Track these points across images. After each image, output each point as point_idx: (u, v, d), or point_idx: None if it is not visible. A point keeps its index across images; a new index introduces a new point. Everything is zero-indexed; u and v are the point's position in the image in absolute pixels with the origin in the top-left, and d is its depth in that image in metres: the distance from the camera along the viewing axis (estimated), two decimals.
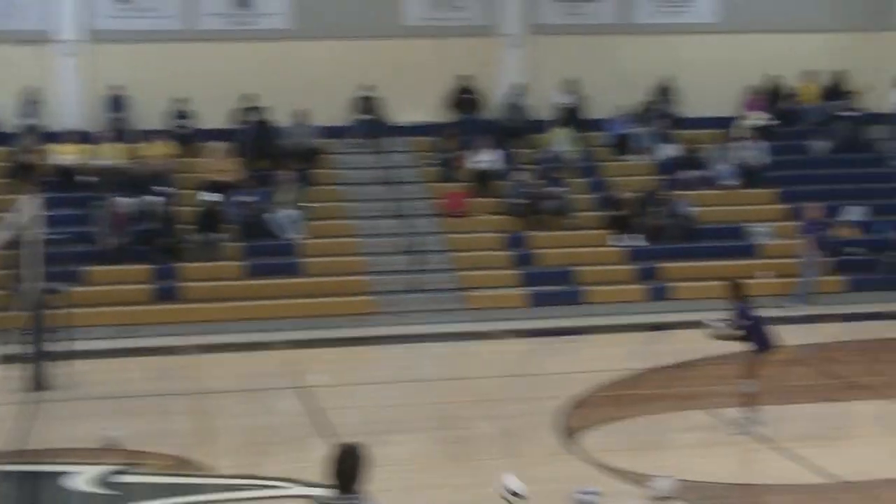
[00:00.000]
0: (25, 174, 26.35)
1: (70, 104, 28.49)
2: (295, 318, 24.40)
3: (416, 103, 29.46)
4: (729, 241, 27.22)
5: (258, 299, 24.84)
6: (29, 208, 19.25)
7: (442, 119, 29.49)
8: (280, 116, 28.48)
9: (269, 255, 25.94)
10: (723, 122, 29.74)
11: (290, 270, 25.71)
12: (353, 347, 23.37)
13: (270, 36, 29.32)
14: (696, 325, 23.39)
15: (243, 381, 20.75)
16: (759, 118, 29.75)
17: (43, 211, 20.98)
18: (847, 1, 31.26)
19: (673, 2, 30.84)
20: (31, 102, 27.98)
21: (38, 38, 28.27)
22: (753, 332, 16.55)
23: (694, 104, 30.29)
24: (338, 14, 29.50)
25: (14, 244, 18.55)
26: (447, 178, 28.22)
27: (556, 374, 21.20)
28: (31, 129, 27.50)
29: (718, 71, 30.49)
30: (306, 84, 28.90)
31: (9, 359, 18.68)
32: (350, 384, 20.70)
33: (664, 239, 26.90)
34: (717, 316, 16.92)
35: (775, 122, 29.93)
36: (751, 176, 28.57)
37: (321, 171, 28.17)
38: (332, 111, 28.89)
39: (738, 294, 16.65)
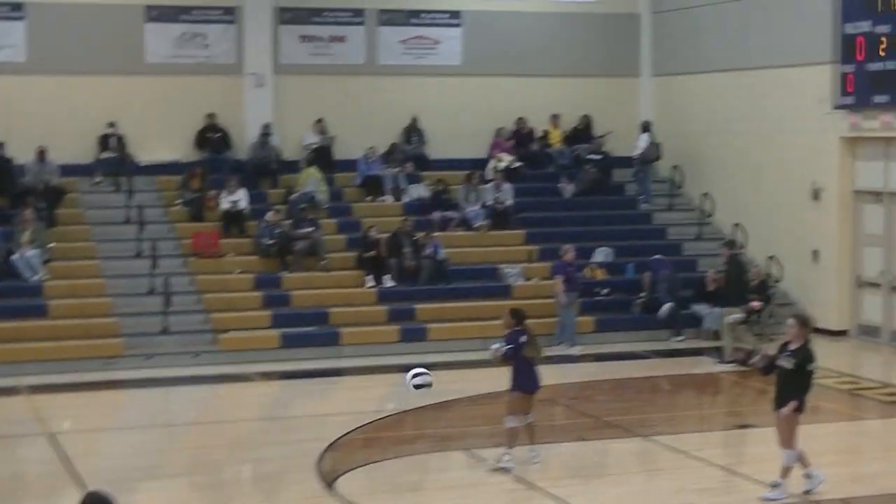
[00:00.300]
0: None
1: None
2: (42, 362, 23.59)
3: (163, 142, 29.04)
4: (482, 281, 27.49)
5: (2, 342, 23.90)
6: None
7: (190, 158, 29.07)
8: (20, 154, 27.59)
9: (13, 296, 25.07)
10: (471, 164, 30.07)
11: (35, 312, 24.87)
12: (103, 392, 22.73)
13: (4, 70, 28.42)
14: (450, 366, 23.94)
15: None
16: (507, 160, 30.19)
17: None
18: (592, 47, 32.06)
19: (419, 44, 31.10)
20: None
21: None
22: (517, 368, 16.73)
23: (442, 146, 30.65)
24: (77, 49, 28.85)
25: None
26: (196, 218, 27.79)
27: (312, 416, 21.02)
28: None
29: (465, 113, 30.97)
30: (47, 121, 28.24)
31: None
32: (100, 430, 20.11)
33: (417, 280, 27.00)
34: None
35: (523, 165, 30.42)
36: (500, 217, 28.94)
37: (65, 210, 27.40)
38: (76, 149, 28.21)
39: (517, 321, 16.78)
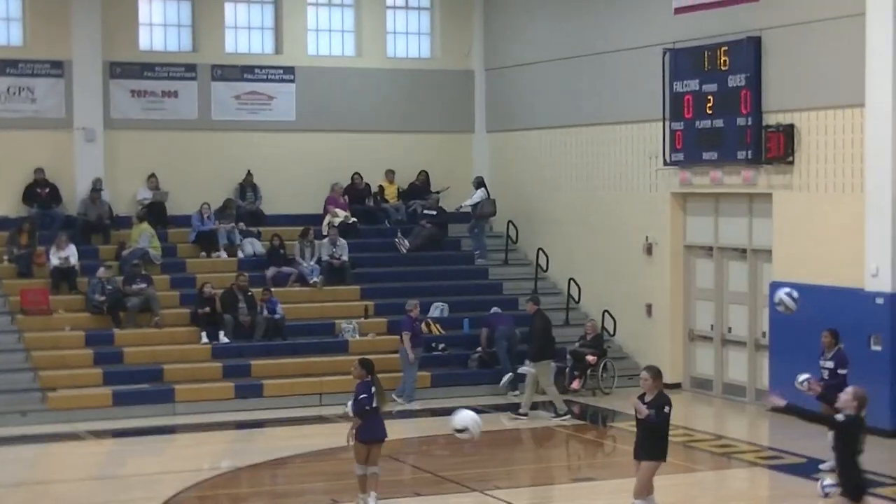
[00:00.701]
0: None
1: None
2: None
3: None
4: (318, 337, 27.29)
5: None
6: None
7: (18, 213, 28.46)
8: None
9: None
10: (306, 220, 29.92)
11: None
12: None
13: None
14: (286, 422, 23.72)
15: None
16: (342, 216, 30.12)
17: None
18: (427, 103, 32.23)
19: (253, 100, 30.96)
20: None
21: None
22: (367, 416, 16.75)
23: (277, 201, 30.48)
24: None
25: None
26: (25, 275, 27.17)
27: (145, 474, 20.64)
28: None
29: (300, 168, 30.89)
30: None
31: None
32: None
33: (253, 336, 26.71)
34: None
35: (357, 220, 30.38)
36: (336, 273, 28.81)
37: None
38: None
39: (367, 371, 16.80)
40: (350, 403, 17.03)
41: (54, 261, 27.13)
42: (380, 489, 16.91)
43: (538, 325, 24.37)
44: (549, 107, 30.47)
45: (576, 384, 26.54)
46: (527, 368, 24.38)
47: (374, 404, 16.78)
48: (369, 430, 16.79)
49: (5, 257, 27.48)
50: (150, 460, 22.02)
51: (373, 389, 16.81)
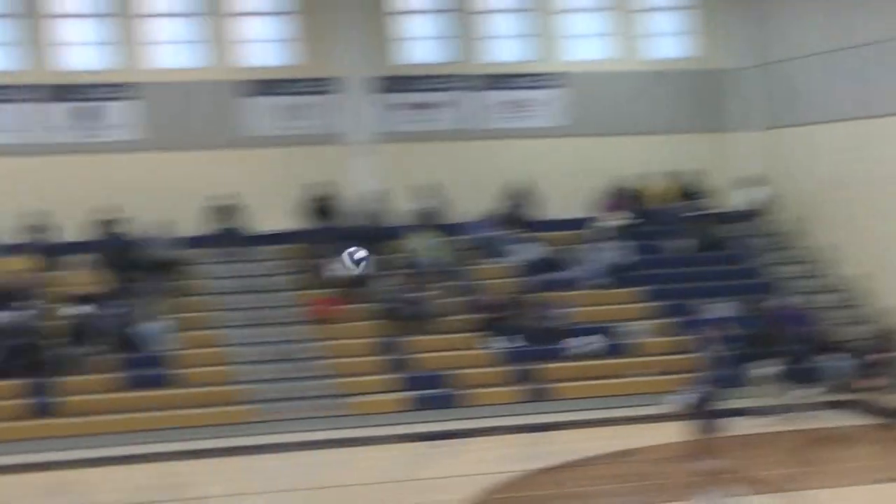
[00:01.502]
0: None
1: None
2: (172, 429, 23.93)
3: (273, 211, 29.24)
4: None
5: (135, 411, 24.35)
6: None
7: (301, 226, 29.33)
8: (139, 227, 28.04)
9: (142, 366, 25.42)
10: (580, 224, 30.09)
11: (163, 382, 25.24)
12: (233, 458, 22.95)
13: (119, 148, 29.07)
14: (577, 424, 23.89)
15: (127, 495, 20.15)
16: (620, 218, 30.15)
17: None
18: (683, 103, 31.96)
19: (521, 107, 31.28)
20: None
21: None
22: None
23: (550, 206, 30.62)
24: (184, 125, 29.42)
25: None
26: (313, 286, 28.01)
27: (441, 478, 21.04)
28: None
29: (571, 173, 30.94)
30: (162, 194, 28.60)
31: None
32: (232, 494, 20.25)
33: (536, 340, 27.00)
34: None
35: (637, 222, 30.35)
36: (615, 275, 28.91)
37: (184, 281, 27.74)
38: (191, 221, 28.53)
39: None
40: (690, 398, 16.92)
41: (339, 272, 27.85)
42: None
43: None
44: (838, 99, 29.68)
45: (867, 382, 26.02)
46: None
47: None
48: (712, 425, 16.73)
49: (294, 269, 28.33)
50: (445, 463, 22.51)
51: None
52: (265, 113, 30.05)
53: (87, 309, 25.74)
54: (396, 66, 30.77)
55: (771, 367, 25.96)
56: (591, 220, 30.27)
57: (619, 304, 28.49)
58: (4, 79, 28.71)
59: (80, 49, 29.23)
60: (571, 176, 30.96)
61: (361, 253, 15.22)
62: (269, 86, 30.08)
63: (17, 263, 26.72)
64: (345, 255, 15.08)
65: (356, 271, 14.63)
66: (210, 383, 25.23)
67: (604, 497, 19.02)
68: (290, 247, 28.85)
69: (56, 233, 27.76)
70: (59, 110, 29.01)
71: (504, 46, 31.65)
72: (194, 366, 25.56)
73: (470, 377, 26.01)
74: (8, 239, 27.32)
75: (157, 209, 28.14)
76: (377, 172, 30.23)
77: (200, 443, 23.36)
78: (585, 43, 31.96)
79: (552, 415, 24.97)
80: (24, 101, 28.82)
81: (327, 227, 29.32)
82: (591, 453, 21.60)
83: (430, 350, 26.63)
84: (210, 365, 25.68)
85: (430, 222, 29.68)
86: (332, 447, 23.47)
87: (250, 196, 29.08)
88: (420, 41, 31.26)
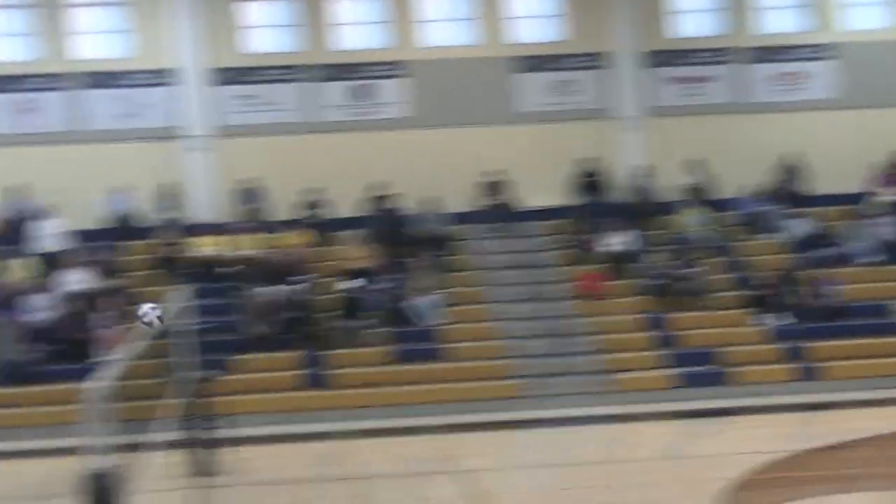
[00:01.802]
0: (167, 266, 26.69)
1: (205, 197, 28.90)
2: (442, 403, 24.38)
3: (541, 187, 29.45)
4: (874, 319, 26.72)
5: (405, 384, 24.86)
6: (178, 299, 19.36)
7: (569, 202, 29.44)
8: (409, 203, 28.63)
9: (412, 340, 25.94)
10: (854, 199, 29.40)
11: (433, 356, 25.71)
12: (502, 432, 23.26)
13: (390, 125, 29.76)
14: (850, 404, 23.39)
15: (399, 466, 20.63)
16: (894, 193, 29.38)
17: (192, 301, 21.09)
18: None
19: (790, 80, 30.70)
20: (169, 196, 28.40)
21: (168, 135, 28.82)
22: None
23: (821, 181, 30.00)
24: (454, 102, 29.80)
25: (165, 334, 18.62)
26: (580, 261, 28.12)
27: (709, 455, 20.89)
28: (171, 223, 27.88)
29: (845, 147, 30.28)
30: (432, 171, 29.18)
31: (172, 445, 18.65)
32: (502, 468, 20.50)
33: (808, 317, 26.53)
34: None
35: None
36: (890, 252, 28.17)
37: (454, 256, 28.20)
38: (460, 197, 28.97)
39: None
40: None
41: (606, 247, 27.95)
42: None
43: None
44: None
45: None
46: None
47: None
48: None
49: (562, 245, 28.51)
50: (714, 441, 22.36)
51: None
52: (534, 89, 30.26)
53: (359, 283, 26.39)
54: (667, 39, 30.59)
55: None
56: (866, 195, 29.53)
57: (894, 281, 27.75)
58: (284, 59, 29.68)
59: (354, 29, 29.97)
60: (845, 149, 30.31)
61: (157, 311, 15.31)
62: (538, 62, 30.29)
63: (293, 239, 27.61)
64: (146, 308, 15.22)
65: (153, 325, 14.77)
66: (479, 358, 25.58)
67: (873, 480, 18.60)
68: (558, 222, 29.03)
69: (330, 209, 28.58)
70: (334, 89, 29.82)
71: (776, 17, 31.10)
72: (464, 340, 25.95)
73: (739, 354, 25.72)
74: (285, 215, 28.25)
75: (427, 185, 28.70)
76: (646, 147, 30.16)
77: (469, 416, 23.72)
78: (860, 12, 31.16)
79: (823, 394, 24.52)
80: (302, 80, 29.72)
81: (596, 203, 29.41)
82: (862, 434, 21.12)
83: (699, 326, 26.43)
84: (479, 340, 26.04)
85: (699, 197, 29.44)
86: (599, 423, 23.55)
87: (519, 172, 29.36)
88: (690, 14, 30.97)
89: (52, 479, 19.44)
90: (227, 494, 18.38)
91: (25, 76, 29.01)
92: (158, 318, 13.60)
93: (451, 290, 27.09)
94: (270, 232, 27.89)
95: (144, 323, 13.53)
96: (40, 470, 20.30)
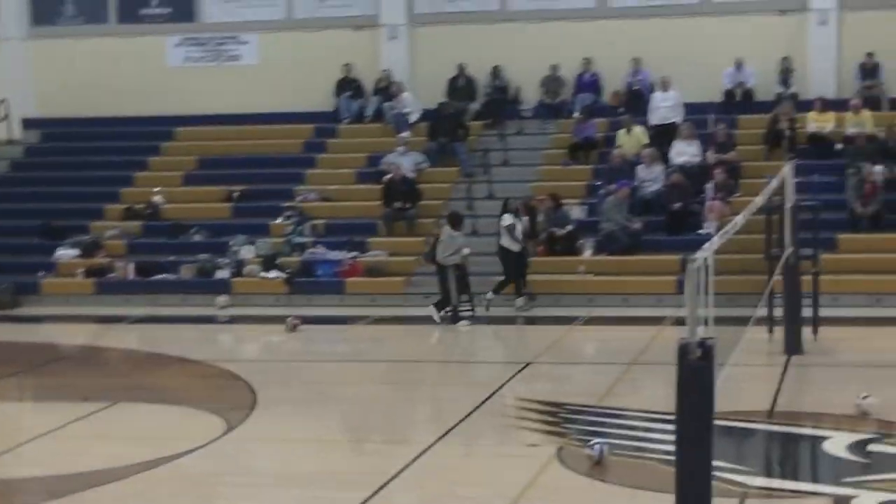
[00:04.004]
0: (779, 141, 26.43)
1: (822, 72, 28.24)
2: None
3: None
4: None
5: None
6: (785, 175, 19.08)
7: None
8: None
9: None
10: None
11: None
12: None
13: None
14: None
15: None
16: None
17: (796, 177, 20.74)
18: None
19: None
20: (787, 70, 28.05)
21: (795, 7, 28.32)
22: None
23: None
24: None
25: (769, 209, 18.46)
26: None
27: None
28: (787, 97, 27.55)
29: None
30: None
31: (761, 321, 18.58)
32: None
33: None
34: None
35: None
36: None
37: None
38: None
39: None
40: None
41: None
42: None
43: None
44: None
45: None
46: None
47: None
48: None
49: None
50: None
51: None
52: None
53: None
54: None
55: None
56: None
57: None
58: None
59: None
60: None
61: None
62: None
63: None
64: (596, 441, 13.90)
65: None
66: None
67: None
68: None
69: None
70: None
71: None
72: None
73: None
74: None
75: None
76: None
77: None
78: None
79: None
80: None
81: None
82: None
83: None
84: None
85: None
86: None
87: None
88: None
89: (651, 345, 20.00)
90: (808, 372, 18.11)
91: None
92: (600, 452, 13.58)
93: None
94: (892, 109, 26.95)
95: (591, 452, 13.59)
96: (640, 336, 20.81)
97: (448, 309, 22.75)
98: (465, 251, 22.94)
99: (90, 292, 26.35)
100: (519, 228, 23.71)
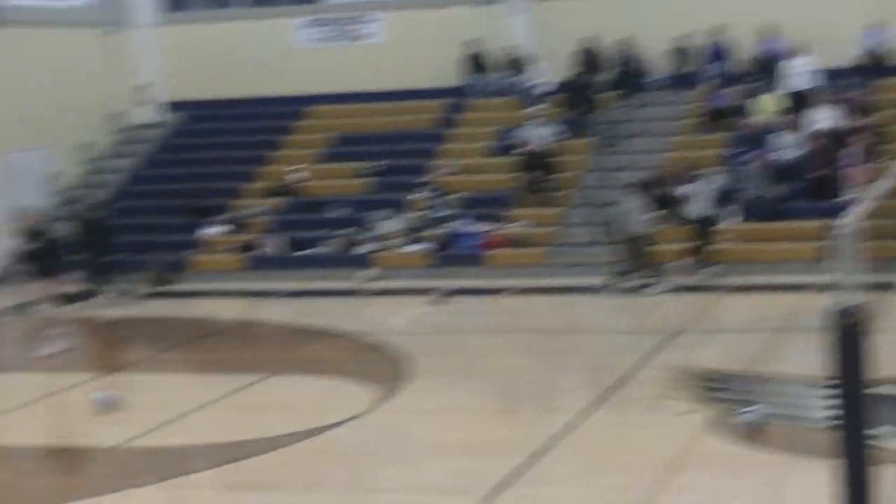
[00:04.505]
0: None
1: None
2: None
3: None
4: None
5: None
6: None
7: None
8: None
9: None
10: None
11: None
12: None
13: None
14: None
15: None
16: None
17: None
18: None
19: None
20: None
21: None
22: None
23: None
24: None
25: None
26: None
27: None
28: None
29: None
30: None
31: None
32: None
33: None
34: None
35: None
36: None
37: None
38: None
39: None
40: None
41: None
42: None
43: None
44: None
45: None
46: None
47: None
48: None
49: None
50: None
51: None
52: None
53: None
54: None
55: None
56: None
57: None
58: None
59: None
60: None
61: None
62: None
63: None
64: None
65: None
66: None
67: None
68: None
69: None
70: None
71: None
72: None
73: None
74: None
75: None
76: None
77: None
78: None
79: None
80: None
81: None
82: None
83: None
84: None
85: None
86: None
87: None
88: None
89: (795, 313, 19.91)
90: None
91: None
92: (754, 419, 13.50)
93: None
94: None
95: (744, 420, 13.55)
96: (783, 304, 20.75)
97: (640, 276, 23.27)
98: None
99: (237, 268, 26.91)
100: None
